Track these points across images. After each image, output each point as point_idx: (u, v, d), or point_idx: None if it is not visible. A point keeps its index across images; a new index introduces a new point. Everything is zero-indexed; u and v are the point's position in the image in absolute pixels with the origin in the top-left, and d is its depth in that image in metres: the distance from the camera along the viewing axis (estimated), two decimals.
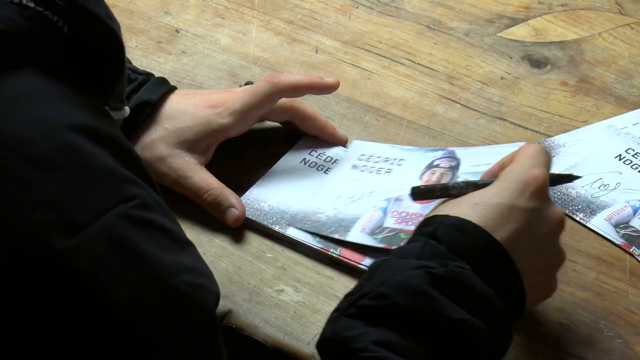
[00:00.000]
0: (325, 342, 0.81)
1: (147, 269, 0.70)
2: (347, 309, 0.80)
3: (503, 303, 0.82)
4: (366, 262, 0.97)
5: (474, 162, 1.02)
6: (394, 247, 0.94)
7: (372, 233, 0.99)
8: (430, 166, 1.04)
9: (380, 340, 0.78)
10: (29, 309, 0.67)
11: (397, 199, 1.01)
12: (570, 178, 0.93)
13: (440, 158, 1.05)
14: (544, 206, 0.86)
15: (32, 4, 0.73)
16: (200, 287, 0.73)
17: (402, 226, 0.98)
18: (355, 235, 0.99)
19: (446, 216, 0.85)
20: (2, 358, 0.67)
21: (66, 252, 0.67)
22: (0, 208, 0.66)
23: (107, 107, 0.80)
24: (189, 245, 0.75)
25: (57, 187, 0.68)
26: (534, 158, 0.88)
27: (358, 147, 1.09)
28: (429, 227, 0.84)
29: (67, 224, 0.67)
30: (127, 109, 0.87)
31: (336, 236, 0.99)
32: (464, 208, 0.85)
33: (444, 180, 1.02)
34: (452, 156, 1.04)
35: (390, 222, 0.99)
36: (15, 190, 0.67)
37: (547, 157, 0.89)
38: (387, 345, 0.78)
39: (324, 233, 0.99)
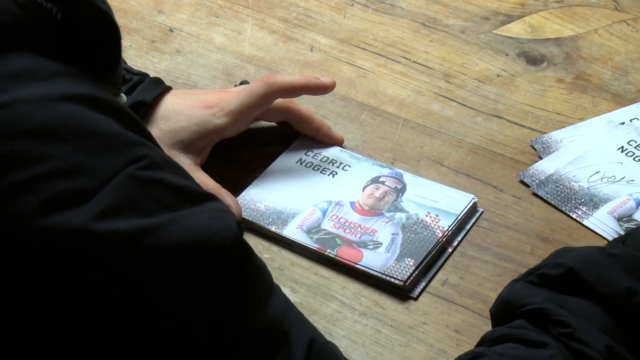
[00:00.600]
0: (499, 302, 0.85)
1: (160, 222, 0.69)
2: (526, 276, 0.85)
3: None
4: (363, 262, 0.97)
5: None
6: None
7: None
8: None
9: (552, 299, 0.82)
10: (47, 280, 0.66)
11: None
12: None
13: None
14: None
15: None
16: (218, 218, 0.71)
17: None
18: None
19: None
20: (14, 328, 0.67)
21: (78, 219, 0.66)
22: (11, 185, 0.66)
23: None
24: (204, 197, 0.73)
25: (64, 157, 0.68)
26: None
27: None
28: (620, 237, 0.91)
29: (77, 192, 0.67)
30: (123, 96, 0.87)
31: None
32: None
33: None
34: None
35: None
36: (23, 166, 0.66)
37: None
38: (556, 303, 0.82)
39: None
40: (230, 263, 0.71)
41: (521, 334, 0.81)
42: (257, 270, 0.74)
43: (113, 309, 0.68)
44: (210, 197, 0.74)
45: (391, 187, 1.04)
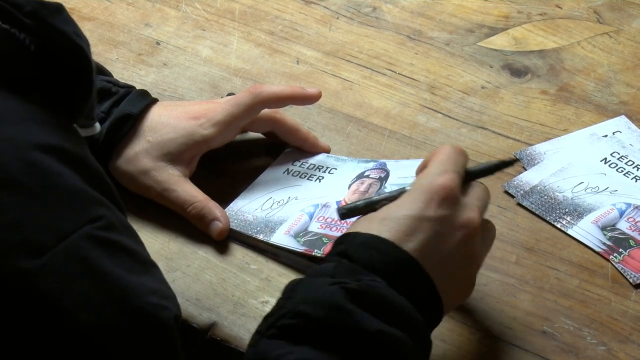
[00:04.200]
0: None
1: (113, 290, 0.70)
2: (268, 330, 0.79)
3: (420, 312, 0.81)
4: None
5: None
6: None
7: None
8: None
9: (302, 359, 0.77)
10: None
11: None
12: (491, 170, 0.91)
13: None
14: (453, 212, 0.85)
15: None
16: (164, 308, 0.73)
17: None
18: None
19: (357, 234, 0.84)
20: None
21: (31, 274, 0.66)
22: None
23: (76, 125, 0.80)
24: (153, 267, 0.75)
25: (23, 208, 0.68)
26: (444, 163, 0.87)
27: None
28: (341, 246, 0.84)
29: (32, 245, 0.67)
30: (97, 126, 0.87)
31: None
32: (374, 224, 0.85)
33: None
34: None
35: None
36: None
37: (459, 159, 0.88)
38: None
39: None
40: (155, 352, 0.73)
41: None
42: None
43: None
44: (155, 265, 0.76)
45: (375, 178, 1.04)
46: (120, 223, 0.73)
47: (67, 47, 0.75)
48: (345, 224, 0.99)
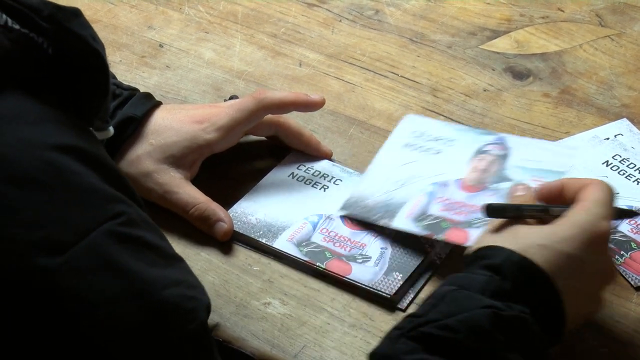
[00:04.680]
0: (380, 357, 0.81)
1: (134, 285, 0.70)
2: (411, 331, 0.81)
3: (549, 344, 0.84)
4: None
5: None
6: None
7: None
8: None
9: None
10: (13, 329, 0.67)
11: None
12: (631, 214, 0.96)
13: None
14: (602, 258, 0.88)
15: (17, 26, 0.73)
16: (190, 298, 0.73)
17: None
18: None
19: (512, 252, 0.85)
20: None
21: (52, 271, 0.67)
22: None
23: (91, 128, 0.81)
24: (177, 260, 0.75)
25: (43, 207, 0.68)
26: (605, 206, 0.88)
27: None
28: (494, 260, 0.85)
29: (53, 243, 0.67)
30: (111, 129, 0.87)
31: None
32: (530, 247, 0.85)
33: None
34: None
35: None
36: (0, 211, 0.67)
37: (613, 202, 0.90)
38: None
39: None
40: (188, 350, 0.72)
41: None
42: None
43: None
44: (181, 259, 0.76)
45: (495, 155, 1.04)
46: (141, 219, 0.74)
47: (83, 51, 0.76)
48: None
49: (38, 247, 0.67)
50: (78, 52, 0.76)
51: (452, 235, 0.98)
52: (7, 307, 0.67)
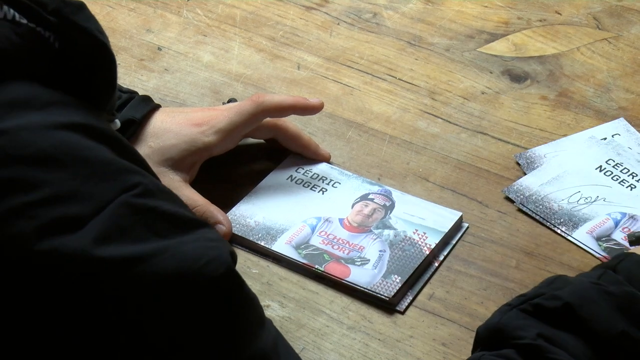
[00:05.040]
0: (491, 327, 0.83)
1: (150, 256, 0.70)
2: (521, 304, 0.84)
3: None
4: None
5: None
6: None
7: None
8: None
9: (546, 334, 0.81)
10: (37, 306, 0.67)
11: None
12: None
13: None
14: None
15: (24, 21, 0.74)
16: (211, 247, 0.72)
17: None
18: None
19: (631, 254, 0.89)
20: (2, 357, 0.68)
21: (69, 248, 0.67)
22: (5, 213, 0.67)
23: None
24: (198, 224, 0.74)
25: (59, 184, 0.69)
26: None
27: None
28: (611, 262, 0.88)
29: (72, 218, 0.68)
30: (117, 122, 0.88)
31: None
32: None
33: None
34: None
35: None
36: (19, 192, 0.67)
37: None
38: (550, 339, 0.81)
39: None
40: (221, 294, 0.72)
41: None
42: (248, 303, 0.75)
43: (104, 332, 0.68)
44: (203, 224, 0.74)
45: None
46: (157, 188, 0.74)
47: (89, 44, 0.77)
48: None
49: (58, 222, 0.67)
50: (84, 45, 0.76)
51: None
52: (28, 284, 0.67)
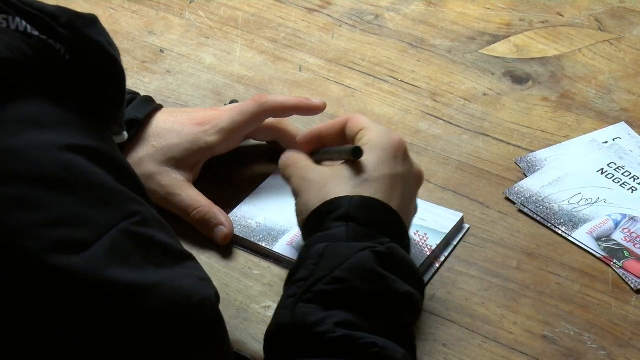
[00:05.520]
0: (284, 327, 0.84)
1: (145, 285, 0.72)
2: (304, 294, 0.84)
3: None
4: None
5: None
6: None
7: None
8: None
9: (342, 321, 0.82)
10: (37, 322, 0.68)
11: None
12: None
13: None
14: (411, 165, 0.96)
15: (36, 33, 0.74)
16: (202, 286, 0.75)
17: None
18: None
19: (351, 197, 0.90)
20: None
21: (75, 268, 0.68)
22: (11, 230, 0.67)
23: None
24: (185, 258, 0.77)
25: (65, 206, 0.69)
26: (377, 124, 0.97)
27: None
28: (341, 210, 0.89)
29: (76, 241, 0.69)
30: (125, 134, 0.89)
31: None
32: (358, 186, 0.91)
33: None
34: None
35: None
36: (24, 212, 0.68)
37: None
38: (348, 325, 0.82)
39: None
40: (209, 326, 0.75)
41: None
42: (226, 336, 0.79)
43: (104, 347, 0.69)
44: (190, 257, 0.77)
45: None
46: (154, 218, 0.75)
47: (100, 57, 0.78)
48: None
49: (62, 244, 0.68)
50: (94, 58, 0.77)
51: None
52: (30, 303, 0.67)
